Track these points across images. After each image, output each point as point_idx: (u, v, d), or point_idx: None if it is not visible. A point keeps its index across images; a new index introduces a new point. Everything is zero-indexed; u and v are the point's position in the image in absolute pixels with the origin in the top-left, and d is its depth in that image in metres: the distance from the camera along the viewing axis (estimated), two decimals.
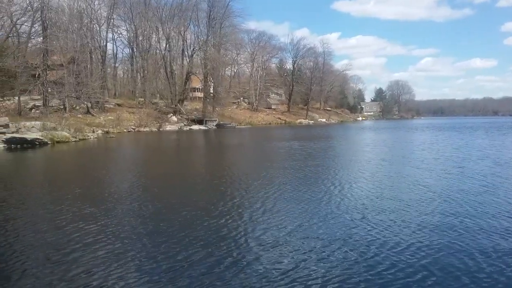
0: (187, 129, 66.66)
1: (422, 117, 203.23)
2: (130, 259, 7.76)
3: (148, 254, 8.04)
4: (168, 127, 65.36)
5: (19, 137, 32.60)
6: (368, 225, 9.85)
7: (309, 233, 9.29)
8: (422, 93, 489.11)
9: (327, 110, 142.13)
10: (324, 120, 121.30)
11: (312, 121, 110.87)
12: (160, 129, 62.45)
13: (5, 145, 31.56)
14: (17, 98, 51.17)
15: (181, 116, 73.54)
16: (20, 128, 36.55)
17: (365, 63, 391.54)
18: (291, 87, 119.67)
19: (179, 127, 67.65)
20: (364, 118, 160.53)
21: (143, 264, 7.52)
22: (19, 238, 9.09)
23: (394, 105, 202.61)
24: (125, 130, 56.22)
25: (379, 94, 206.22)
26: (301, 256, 7.85)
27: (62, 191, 14.67)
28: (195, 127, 69.19)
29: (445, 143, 35.73)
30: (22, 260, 7.72)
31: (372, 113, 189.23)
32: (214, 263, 7.50)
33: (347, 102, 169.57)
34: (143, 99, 75.51)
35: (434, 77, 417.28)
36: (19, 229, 9.79)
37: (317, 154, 27.11)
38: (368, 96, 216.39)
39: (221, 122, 76.65)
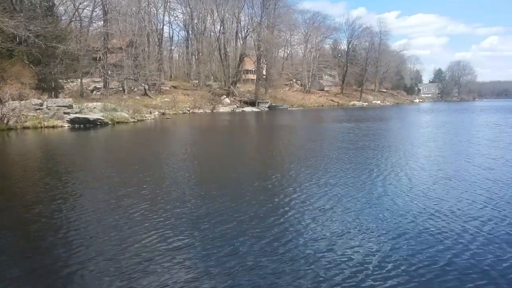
0: (240, 110, 67.34)
1: (484, 99, 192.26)
2: (182, 241, 8.15)
3: (200, 236, 8.39)
4: (221, 109, 66.33)
5: (82, 117, 34.38)
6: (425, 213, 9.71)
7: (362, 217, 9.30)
8: (485, 74, 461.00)
9: (382, 91, 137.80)
10: (378, 102, 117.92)
11: (366, 103, 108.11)
12: (214, 111, 63.54)
13: (70, 124, 33.42)
14: (79, 80, 53.82)
15: (234, 98, 74.31)
16: (82, 109, 38.51)
17: (424, 43, 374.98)
18: (345, 68, 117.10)
19: (232, 108, 68.44)
20: (421, 100, 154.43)
21: (195, 246, 7.88)
22: (86, 209, 9.77)
23: (454, 87, 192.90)
24: (180, 112, 57.70)
25: (438, 75, 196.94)
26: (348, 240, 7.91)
27: (124, 168, 15.46)
28: (248, 109, 69.73)
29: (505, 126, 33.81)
30: (85, 233, 8.33)
31: (430, 95, 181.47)
32: (266, 248, 7.70)
33: (404, 84, 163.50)
34: (197, 81, 76.95)
35: (499, 57, 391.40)
36: (84, 204, 10.50)
37: (368, 137, 26.59)
38: (426, 77, 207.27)
39: (273, 104, 76.66)
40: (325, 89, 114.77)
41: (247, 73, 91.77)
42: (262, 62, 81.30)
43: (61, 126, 32.92)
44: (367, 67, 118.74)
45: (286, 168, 15.02)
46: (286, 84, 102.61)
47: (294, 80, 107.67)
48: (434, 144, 22.84)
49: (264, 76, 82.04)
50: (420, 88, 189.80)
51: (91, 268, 6.51)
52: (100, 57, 56.61)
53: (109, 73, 57.54)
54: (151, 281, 6.04)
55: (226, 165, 16.23)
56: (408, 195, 10.80)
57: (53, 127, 32.28)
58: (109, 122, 35.92)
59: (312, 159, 17.24)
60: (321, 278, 6.12)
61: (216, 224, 8.62)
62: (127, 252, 7.12)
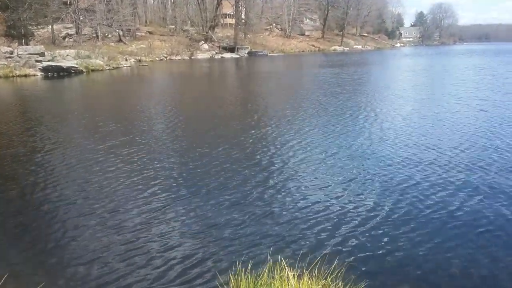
0: (219, 57, 65.72)
1: (465, 43, 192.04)
2: (163, 186, 7.93)
3: (180, 183, 8.17)
4: (200, 55, 64.58)
5: (55, 65, 33.00)
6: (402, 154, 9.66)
7: (338, 163, 9.20)
8: (467, 17, 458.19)
9: (364, 36, 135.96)
10: (359, 47, 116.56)
11: (347, 48, 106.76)
12: (192, 57, 61.84)
13: (42, 73, 32.08)
14: (50, 26, 51.23)
15: (213, 44, 72.25)
16: (55, 57, 36.90)
17: None
18: (326, 11, 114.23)
19: (211, 55, 66.71)
20: (402, 45, 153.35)
21: (173, 191, 7.68)
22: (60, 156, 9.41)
23: (435, 30, 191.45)
24: (157, 59, 55.97)
25: (420, 19, 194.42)
26: (325, 187, 7.81)
27: (105, 119, 14.93)
28: (227, 55, 68.06)
29: (487, 69, 33.89)
30: (58, 183, 8.02)
31: (411, 39, 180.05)
32: (246, 194, 7.55)
33: (385, 28, 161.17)
34: (174, 27, 74.18)
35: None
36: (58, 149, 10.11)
37: (350, 82, 26.33)
38: (408, 21, 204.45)
39: (253, 50, 74.91)
40: (306, 33, 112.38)
41: (225, 17, 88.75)
42: (241, 5, 78.52)
43: (34, 75, 31.56)
44: (349, 10, 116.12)
45: (268, 117, 14.74)
46: (266, 29, 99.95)
47: (274, 24, 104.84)
48: (420, 88, 22.77)
49: (243, 21, 79.53)
50: (402, 32, 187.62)
51: (75, 221, 6.27)
52: (70, 2, 53.64)
53: (81, 18, 54.85)
54: (133, 231, 5.85)
55: (207, 114, 15.84)
56: (393, 143, 10.71)
57: (25, 76, 30.95)
58: (84, 70, 34.65)
59: (294, 106, 16.97)
60: (303, 229, 6.03)
61: (196, 173, 8.42)
62: (106, 204, 6.89)
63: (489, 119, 13.08)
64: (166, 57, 58.47)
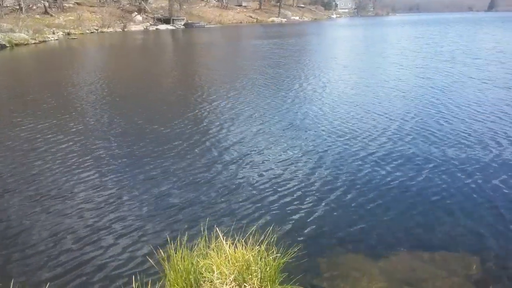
0: (153, 29, 63.47)
1: (397, 14, 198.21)
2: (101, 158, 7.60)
3: (118, 156, 7.87)
4: (133, 27, 62.00)
5: None
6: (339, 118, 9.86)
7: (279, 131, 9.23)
8: None
9: (300, 7, 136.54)
10: (297, 18, 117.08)
11: (285, 19, 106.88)
12: (125, 30, 59.26)
13: None
14: None
15: (146, 16, 69.50)
16: None
17: None
18: None
19: (145, 27, 64.24)
20: (338, 16, 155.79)
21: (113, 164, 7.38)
22: None
23: (369, 2, 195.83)
24: (87, 31, 53.10)
25: None
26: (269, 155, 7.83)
27: (31, 96, 13.97)
28: (162, 27, 65.85)
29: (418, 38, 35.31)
30: None
31: (346, 10, 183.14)
32: (183, 168, 7.40)
33: None
34: None
35: None
36: None
37: (293, 53, 26.43)
38: None
39: (189, 22, 72.95)
40: (243, 4, 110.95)
41: None
42: None
43: None
44: None
45: (212, 91, 14.45)
46: (202, 0, 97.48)
47: None
48: (362, 58, 23.26)
49: None
50: (337, 3, 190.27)
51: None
52: None
53: None
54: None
55: (147, 90, 15.27)
56: (341, 113, 10.86)
57: None
58: (7, 45, 32.19)
59: (240, 78, 16.76)
60: (240, 200, 6.01)
61: (133, 150, 8.14)
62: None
63: (433, 86, 13.53)
64: (97, 30, 55.63)
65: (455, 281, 4.15)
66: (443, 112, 10.31)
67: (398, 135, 8.59)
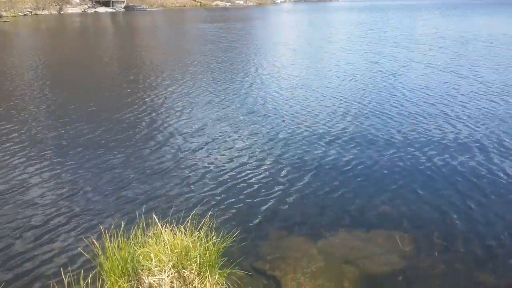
0: (92, 12, 60.73)
1: (341, 0, 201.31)
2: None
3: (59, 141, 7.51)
4: (70, 10, 58.98)
5: None
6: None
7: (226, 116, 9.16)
8: None
9: None
10: (241, 2, 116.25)
11: (229, 4, 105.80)
12: (61, 12, 56.27)
13: None
14: None
15: None
16: None
17: None
18: None
19: (83, 9, 61.30)
20: (283, 1, 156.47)
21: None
22: None
23: None
24: (20, 14, 49.90)
25: None
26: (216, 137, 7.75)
27: None
28: (101, 9, 63.12)
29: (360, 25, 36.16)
30: None
31: None
32: (122, 155, 7.18)
33: None
34: None
35: None
36: None
37: (241, 37, 26.23)
38: None
39: (130, 4, 70.41)
40: None
41: None
42: None
43: None
44: None
45: (160, 74, 14.12)
46: None
47: None
48: (310, 42, 23.42)
49: None
50: None
51: None
52: None
53: None
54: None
55: (87, 75, 14.61)
56: (294, 98, 10.87)
57: None
58: None
59: (188, 63, 16.43)
60: (178, 186, 5.91)
61: (71, 136, 7.78)
62: None
63: (382, 71, 13.91)
64: (30, 12, 52.40)
65: (390, 258, 4.30)
66: (396, 95, 10.66)
67: (353, 117, 8.82)
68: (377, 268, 4.17)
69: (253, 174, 6.18)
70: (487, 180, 5.87)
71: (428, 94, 10.66)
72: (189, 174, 6.16)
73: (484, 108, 9.37)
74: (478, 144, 7.20)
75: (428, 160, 6.57)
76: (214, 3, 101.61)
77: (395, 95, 10.56)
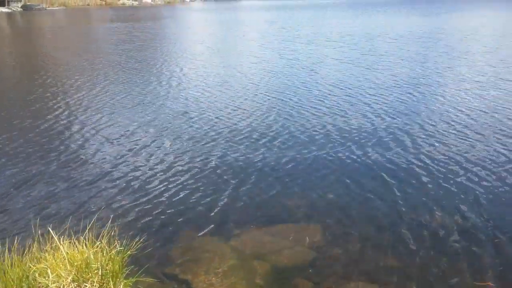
0: None
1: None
2: None
3: None
4: None
5: None
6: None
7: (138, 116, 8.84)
8: None
9: None
10: (149, 1, 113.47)
11: (137, 2, 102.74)
12: None
13: None
14: None
15: None
16: None
17: None
18: None
19: None
20: (192, 0, 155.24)
21: None
22: None
23: None
24: None
25: None
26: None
27: None
28: None
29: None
30: None
31: None
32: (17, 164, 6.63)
33: None
34: None
35: None
36: None
37: (151, 36, 25.53)
38: None
39: (28, 3, 65.63)
40: None
41: None
42: None
43: None
44: None
45: (73, 76, 13.24)
46: None
47: None
48: (225, 40, 23.37)
49: None
50: None
51: None
52: None
53: None
54: None
55: None
56: (201, 98, 10.69)
57: None
58: None
59: (101, 64, 15.60)
60: (75, 196, 5.58)
61: None
62: None
63: (303, 67, 14.28)
64: None
65: (300, 250, 4.39)
66: (319, 90, 11.00)
67: (275, 114, 8.92)
68: (288, 262, 4.23)
69: (160, 176, 6.00)
70: (396, 171, 6.17)
71: (343, 88, 11.14)
72: (91, 181, 5.81)
73: (397, 100, 9.97)
74: (391, 136, 7.56)
75: (339, 153, 6.81)
76: (120, 1, 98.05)
77: (314, 91, 10.92)
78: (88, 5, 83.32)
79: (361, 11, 48.67)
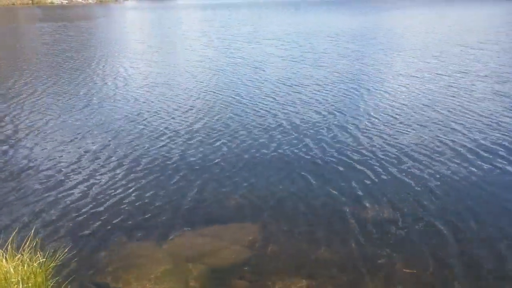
0: None
1: None
2: None
3: None
4: None
5: None
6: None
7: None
8: None
9: None
10: (81, 0, 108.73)
11: (66, 1, 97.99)
12: None
13: None
14: None
15: None
16: None
17: None
18: None
19: None
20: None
21: None
22: None
23: None
24: None
25: None
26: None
27: None
28: None
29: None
30: None
31: None
32: None
33: None
34: None
35: None
36: None
37: (88, 36, 24.50)
38: None
39: None
40: None
41: None
42: None
43: None
44: None
45: (9, 79, 12.34)
46: None
47: None
48: (167, 40, 22.81)
49: None
50: None
51: None
52: None
53: None
54: None
55: None
56: (120, 98, 10.42)
57: None
58: None
59: (40, 65, 14.79)
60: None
61: None
62: None
63: (245, 65, 14.38)
64: None
65: (236, 250, 4.38)
66: (267, 87, 11.11)
67: (219, 113, 8.84)
68: (224, 262, 4.21)
69: (87, 182, 5.77)
70: (334, 165, 6.31)
71: (289, 85, 11.35)
72: (14, 191, 5.48)
73: (341, 95, 10.33)
74: (333, 131, 7.74)
75: (279, 149, 6.88)
76: (49, 0, 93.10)
77: (264, 89, 11.02)
78: (14, 4, 78.38)
79: (301, 10, 49.34)
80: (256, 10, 54.24)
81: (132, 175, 5.96)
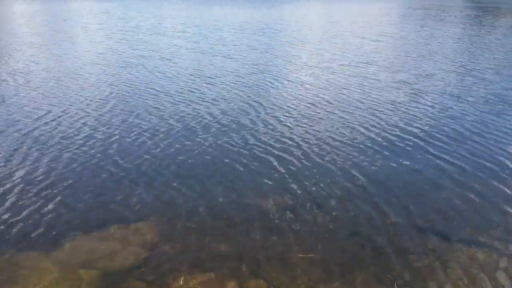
0: None
1: None
2: None
3: None
4: None
5: None
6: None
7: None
8: None
9: None
10: None
11: None
12: None
13: None
14: None
15: None
16: None
17: None
18: None
19: None
20: None
21: None
22: None
23: None
24: None
25: None
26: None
27: None
28: None
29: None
30: None
31: None
32: None
33: None
34: None
35: None
36: None
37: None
38: None
39: None
40: None
41: None
42: None
43: None
44: None
45: None
46: None
47: None
48: (57, 30, 21.13)
49: None
50: None
51: None
52: None
53: None
54: None
55: None
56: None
57: None
58: None
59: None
60: None
61: None
62: None
63: (159, 58, 14.06)
64: None
65: (132, 251, 4.23)
66: (182, 80, 11.01)
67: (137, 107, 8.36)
68: (119, 265, 4.04)
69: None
70: (236, 157, 6.34)
71: (200, 76, 11.39)
72: None
73: (255, 85, 10.52)
74: (242, 122, 7.80)
75: (186, 146, 6.74)
76: None
77: (179, 82, 10.83)
78: None
79: (197, 1, 48.39)
80: (157, 2, 51.94)
81: (16, 182, 5.48)
